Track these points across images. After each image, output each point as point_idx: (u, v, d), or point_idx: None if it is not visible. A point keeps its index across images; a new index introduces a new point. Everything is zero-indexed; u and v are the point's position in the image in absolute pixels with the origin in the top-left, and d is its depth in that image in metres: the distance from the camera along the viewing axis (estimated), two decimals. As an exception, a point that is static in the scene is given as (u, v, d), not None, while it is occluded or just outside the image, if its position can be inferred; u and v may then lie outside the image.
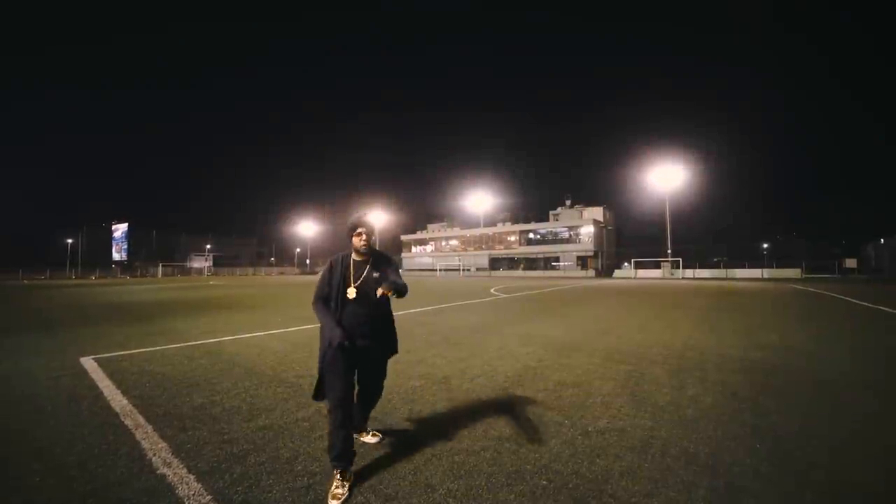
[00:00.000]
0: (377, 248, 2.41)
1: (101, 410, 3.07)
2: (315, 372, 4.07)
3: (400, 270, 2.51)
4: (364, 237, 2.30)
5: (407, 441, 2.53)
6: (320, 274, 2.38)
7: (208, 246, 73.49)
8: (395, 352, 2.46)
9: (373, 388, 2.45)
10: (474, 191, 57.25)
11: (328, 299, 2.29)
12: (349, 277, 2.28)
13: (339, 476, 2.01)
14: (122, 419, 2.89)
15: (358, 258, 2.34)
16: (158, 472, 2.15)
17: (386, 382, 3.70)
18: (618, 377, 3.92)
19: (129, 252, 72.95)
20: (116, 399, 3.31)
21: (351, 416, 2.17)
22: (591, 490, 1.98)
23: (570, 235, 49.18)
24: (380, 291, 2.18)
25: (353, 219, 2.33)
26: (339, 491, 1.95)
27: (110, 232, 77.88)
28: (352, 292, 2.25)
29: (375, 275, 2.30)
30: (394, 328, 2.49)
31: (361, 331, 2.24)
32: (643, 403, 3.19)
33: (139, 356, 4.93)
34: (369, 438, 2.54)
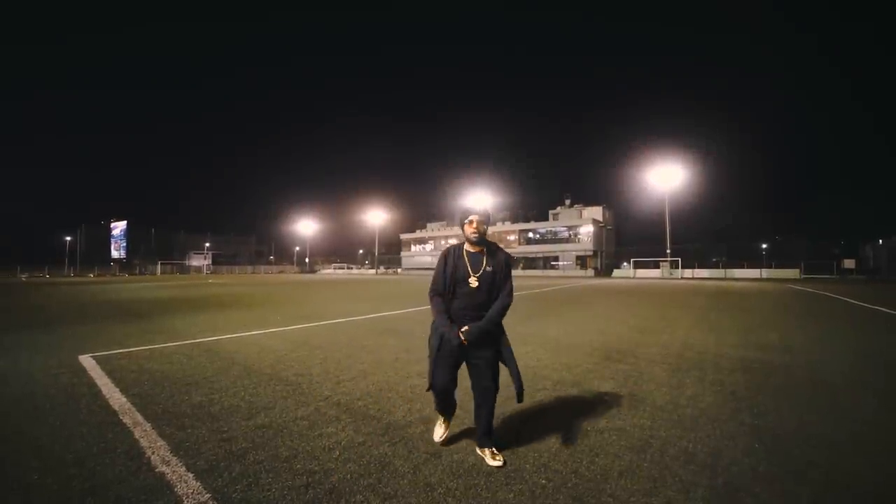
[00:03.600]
0: (492, 242, 2.40)
1: (100, 408, 3.07)
2: (314, 372, 4.07)
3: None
4: (475, 225, 2.30)
5: (405, 439, 2.53)
6: (436, 267, 2.40)
7: (207, 244, 73.44)
8: (489, 323, 2.29)
9: (483, 396, 2.32)
10: (474, 190, 57.20)
11: (442, 294, 2.33)
12: (467, 268, 2.29)
13: (441, 420, 2.45)
14: (121, 417, 2.88)
15: (472, 249, 2.34)
16: (157, 470, 2.15)
17: (384, 381, 3.74)
18: (616, 377, 3.92)
19: (128, 250, 72.83)
20: (115, 397, 3.30)
21: (451, 403, 2.41)
22: (590, 489, 1.98)
23: (570, 235, 49.22)
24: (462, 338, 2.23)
25: (465, 207, 2.35)
26: (441, 430, 2.44)
27: (109, 230, 77.73)
28: (474, 282, 2.27)
29: (489, 269, 2.29)
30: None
31: (473, 319, 2.27)
32: (642, 403, 3.19)
33: (138, 354, 4.92)
34: (489, 459, 2.24)
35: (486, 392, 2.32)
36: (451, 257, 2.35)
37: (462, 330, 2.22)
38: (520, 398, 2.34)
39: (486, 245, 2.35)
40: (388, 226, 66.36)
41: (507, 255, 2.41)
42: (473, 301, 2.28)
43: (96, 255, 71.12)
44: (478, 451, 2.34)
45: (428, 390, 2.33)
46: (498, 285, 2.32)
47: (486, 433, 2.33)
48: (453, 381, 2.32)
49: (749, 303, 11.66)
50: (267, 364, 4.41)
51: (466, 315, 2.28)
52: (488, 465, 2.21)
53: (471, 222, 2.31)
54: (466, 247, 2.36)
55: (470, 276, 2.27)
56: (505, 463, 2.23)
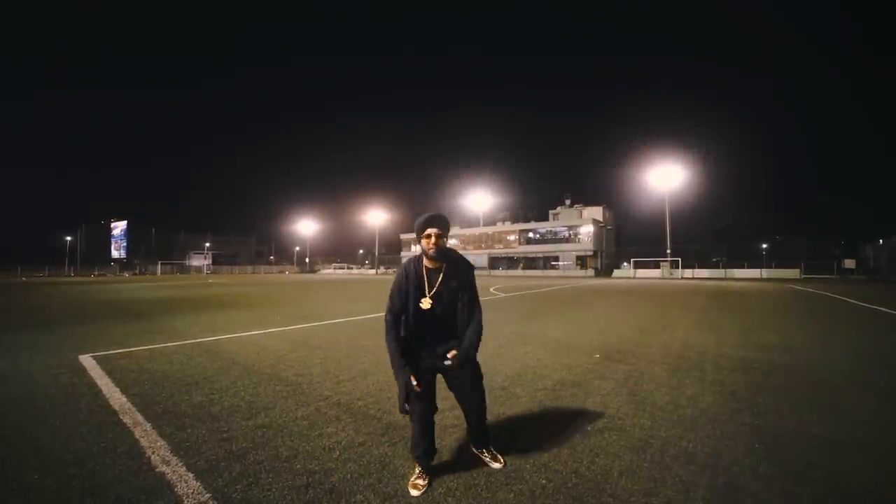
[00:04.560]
0: (452, 251, 2.14)
1: (100, 408, 3.07)
2: (314, 372, 4.07)
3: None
4: (433, 240, 2.03)
5: (405, 439, 2.52)
6: (392, 282, 2.15)
7: (207, 244, 73.44)
8: (464, 357, 2.07)
9: (470, 404, 2.16)
10: (474, 190, 57.26)
11: (399, 316, 2.08)
12: (423, 286, 2.05)
13: (419, 470, 2.07)
14: (121, 417, 2.88)
15: (430, 264, 2.08)
16: (157, 470, 2.15)
17: (384, 381, 3.74)
18: (617, 376, 3.92)
19: (128, 250, 72.85)
20: (115, 397, 3.31)
21: (431, 429, 2.12)
22: (590, 489, 1.98)
23: (570, 235, 49.15)
24: (450, 362, 2.04)
25: (421, 218, 2.06)
26: (420, 482, 2.01)
27: (109, 230, 77.77)
28: (426, 303, 2.03)
29: (453, 284, 2.06)
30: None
31: (439, 336, 2.09)
32: (642, 403, 3.19)
33: (138, 354, 4.92)
34: (489, 461, 2.22)
35: (473, 404, 2.18)
36: (409, 272, 2.09)
37: (450, 355, 2.04)
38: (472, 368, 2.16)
39: (445, 260, 2.09)
40: (388, 226, 66.47)
41: (470, 265, 2.18)
42: (429, 322, 2.07)
43: (96, 255, 71.23)
44: (474, 451, 2.31)
45: (403, 414, 2.09)
46: (462, 301, 2.09)
47: (481, 434, 2.26)
48: (432, 401, 2.12)
49: (749, 303, 11.65)
50: (267, 364, 4.41)
51: (434, 338, 2.09)
52: (488, 467, 2.20)
53: (428, 237, 2.04)
54: (425, 261, 2.10)
55: (423, 297, 2.04)
56: (505, 464, 2.22)
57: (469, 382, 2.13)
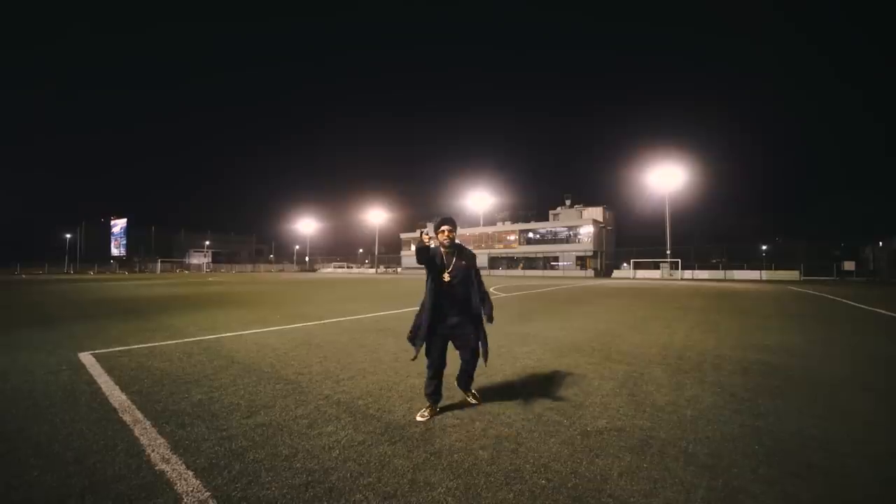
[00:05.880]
0: (461, 244, 3.01)
1: (100, 406, 3.07)
2: (314, 370, 4.07)
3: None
4: (446, 234, 2.91)
5: (405, 439, 2.53)
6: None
7: (207, 242, 73.33)
8: (489, 320, 2.98)
9: (466, 356, 2.95)
10: (474, 189, 57.23)
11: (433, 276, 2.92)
12: (443, 265, 2.86)
13: (428, 408, 2.90)
14: (121, 415, 2.88)
15: (445, 251, 2.92)
16: (157, 467, 2.15)
17: (384, 380, 3.74)
18: (616, 377, 3.92)
19: (128, 248, 72.84)
20: (115, 395, 3.31)
21: (441, 375, 2.91)
22: (590, 490, 1.99)
23: (570, 235, 49.14)
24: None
25: (437, 220, 2.97)
26: (426, 413, 2.87)
27: (109, 228, 77.75)
28: (447, 276, 2.84)
29: (462, 263, 2.89)
30: (489, 304, 3.05)
31: (453, 308, 2.87)
32: (642, 404, 3.19)
33: (138, 352, 4.92)
34: (470, 399, 3.15)
35: (468, 361, 2.98)
36: (436, 254, 2.91)
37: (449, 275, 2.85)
38: (485, 361, 2.99)
39: (456, 248, 2.95)
40: (388, 225, 66.41)
41: (473, 252, 3.06)
42: (447, 293, 2.85)
43: (96, 253, 71.19)
44: (461, 391, 3.17)
45: (409, 339, 2.94)
46: (471, 279, 2.92)
47: (468, 384, 3.12)
48: (443, 360, 2.90)
49: (749, 304, 11.66)
50: (267, 362, 4.41)
51: (449, 303, 2.86)
52: (469, 404, 3.08)
53: (443, 232, 2.91)
54: (442, 250, 2.92)
55: (444, 273, 2.85)
56: (480, 401, 3.12)
57: (470, 340, 2.91)
